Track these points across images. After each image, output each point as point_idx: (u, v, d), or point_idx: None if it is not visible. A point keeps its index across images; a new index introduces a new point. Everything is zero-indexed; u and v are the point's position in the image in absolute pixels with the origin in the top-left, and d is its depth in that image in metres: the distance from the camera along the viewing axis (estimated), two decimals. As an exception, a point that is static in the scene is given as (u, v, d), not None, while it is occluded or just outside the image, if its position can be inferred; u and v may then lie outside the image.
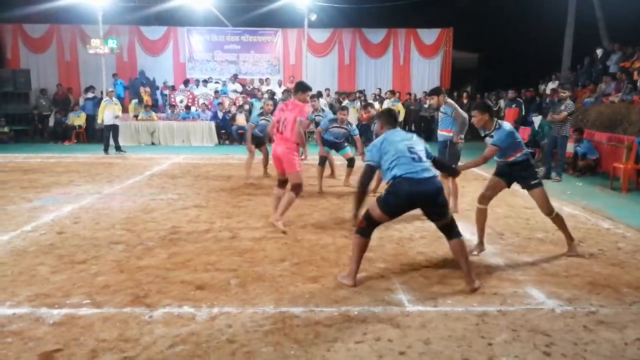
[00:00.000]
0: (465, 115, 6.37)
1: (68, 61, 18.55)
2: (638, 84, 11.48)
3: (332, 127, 8.12)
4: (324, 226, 5.87)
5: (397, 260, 4.64)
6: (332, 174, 9.14)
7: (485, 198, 4.90)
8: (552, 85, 14.98)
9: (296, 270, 4.36)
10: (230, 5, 18.01)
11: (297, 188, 5.39)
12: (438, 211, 3.90)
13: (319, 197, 7.60)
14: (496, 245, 5.11)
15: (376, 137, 7.54)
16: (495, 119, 4.77)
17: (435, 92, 6.54)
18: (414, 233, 5.60)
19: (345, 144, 8.50)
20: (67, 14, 17.46)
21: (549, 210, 4.75)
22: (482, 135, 4.85)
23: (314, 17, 16.44)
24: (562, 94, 9.51)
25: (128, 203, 7.03)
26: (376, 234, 5.53)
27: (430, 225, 5.94)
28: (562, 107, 9.27)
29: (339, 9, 17.44)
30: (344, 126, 8.15)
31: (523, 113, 12.96)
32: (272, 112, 9.17)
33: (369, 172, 3.98)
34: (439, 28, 19.07)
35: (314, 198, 7.50)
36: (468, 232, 5.67)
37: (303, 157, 7.80)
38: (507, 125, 4.75)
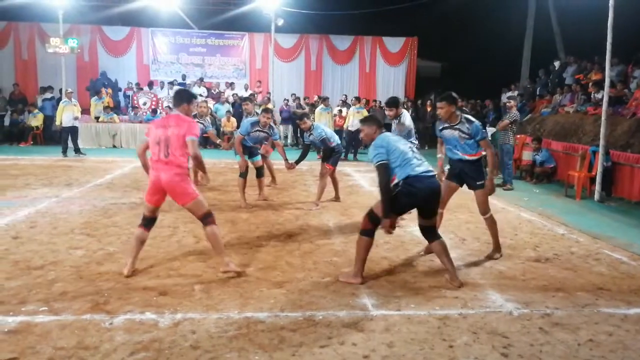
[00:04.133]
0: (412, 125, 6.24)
1: (25, 60, 17.91)
2: (592, 96, 11.99)
3: (255, 132, 7.23)
4: (289, 232, 5.88)
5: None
6: (273, 180, 8.83)
7: (442, 202, 5.05)
8: (508, 94, 15.48)
9: (261, 275, 4.34)
10: (197, 8, 17.81)
11: (209, 217, 4.23)
12: (434, 209, 4.25)
13: (283, 203, 7.60)
14: (458, 250, 5.24)
15: (322, 144, 7.35)
16: (460, 112, 4.95)
17: (394, 104, 6.14)
18: (378, 238, 5.63)
19: (259, 151, 7.70)
20: (26, 11, 16.86)
21: (485, 211, 5.00)
22: (440, 128, 5.00)
23: (281, 22, 16.45)
24: (508, 104, 9.92)
25: (88, 207, 6.85)
26: (340, 238, 5.61)
27: (394, 231, 6.04)
28: (507, 116, 9.64)
29: (306, 15, 17.52)
30: (266, 130, 7.30)
31: None
32: (210, 115, 8.74)
33: (386, 171, 4.07)
34: (404, 37, 19.43)
35: (278, 204, 7.50)
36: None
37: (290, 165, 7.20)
38: (474, 119, 4.97)
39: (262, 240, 5.43)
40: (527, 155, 10.87)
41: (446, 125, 4.93)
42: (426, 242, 5.14)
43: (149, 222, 4.35)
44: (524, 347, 3.19)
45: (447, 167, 5.25)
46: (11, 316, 3.41)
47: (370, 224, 4.18)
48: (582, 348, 3.20)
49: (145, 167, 4.38)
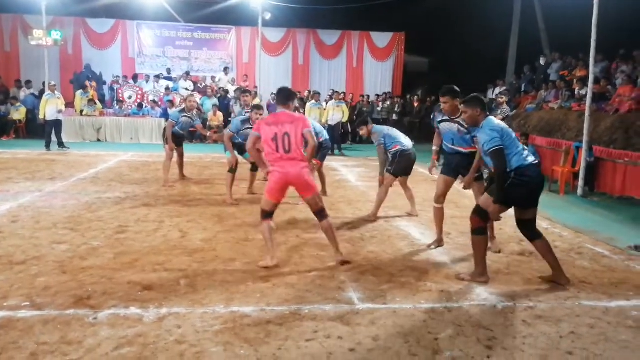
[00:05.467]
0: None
1: (8, 52, 17.61)
2: (576, 92, 12.12)
3: (245, 129, 6.95)
4: (276, 226, 5.85)
5: (348, 259, 4.69)
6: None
7: (441, 197, 5.11)
8: (497, 90, 15.59)
9: (247, 269, 4.33)
10: (183, 1, 17.64)
11: (324, 211, 4.51)
12: (538, 198, 4.19)
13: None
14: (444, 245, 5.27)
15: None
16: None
17: (364, 122, 6.46)
18: (365, 233, 5.70)
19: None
20: (8, 2, 16.56)
21: None
22: (439, 120, 5.01)
23: (268, 16, 16.34)
24: (499, 100, 9.95)
25: (71, 201, 6.76)
26: (328, 233, 5.60)
27: (381, 225, 6.08)
28: (498, 112, 9.69)
29: (293, 9, 17.44)
30: None
31: None
32: (197, 109, 8.66)
33: (503, 156, 3.95)
34: (392, 32, 19.45)
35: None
36: (417, 231, 5.83)
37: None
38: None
39: (248, 235, 5.42)
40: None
41: (445, 117, 4.95)
42: (433, 237, 5.20)
43: (270, 214, 4.59)
44: (507, 340, 3.22)
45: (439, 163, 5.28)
46: (-8, 311, 3.36)
47: (481, 221, 4.12)
48: (564, 340, 3.25)
49: (260, 160, 4.79)
